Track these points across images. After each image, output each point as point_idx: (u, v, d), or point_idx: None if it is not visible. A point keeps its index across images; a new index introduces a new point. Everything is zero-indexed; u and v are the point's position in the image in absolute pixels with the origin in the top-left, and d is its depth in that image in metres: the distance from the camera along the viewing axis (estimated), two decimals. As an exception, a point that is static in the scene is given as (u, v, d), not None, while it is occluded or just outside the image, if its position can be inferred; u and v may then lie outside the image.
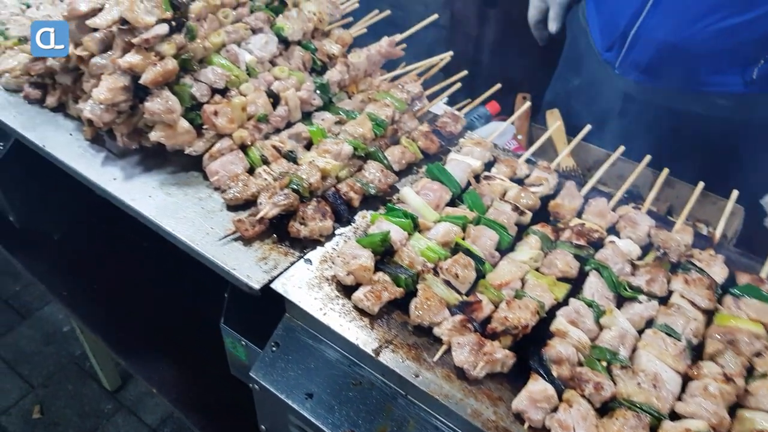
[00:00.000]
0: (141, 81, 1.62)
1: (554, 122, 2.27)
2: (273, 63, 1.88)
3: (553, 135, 2.60)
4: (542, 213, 1.69)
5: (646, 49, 2.48)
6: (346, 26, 2.10)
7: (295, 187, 1.56)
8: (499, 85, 2.09)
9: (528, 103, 2.16)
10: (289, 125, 1.83)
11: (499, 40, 4.24)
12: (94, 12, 1.71)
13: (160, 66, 1.63)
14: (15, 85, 1.96)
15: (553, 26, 2.92)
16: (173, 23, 1.69)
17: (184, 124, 1.66)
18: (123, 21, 1.65)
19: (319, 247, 1.54)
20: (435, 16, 2.15)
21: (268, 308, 1.44)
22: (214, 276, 1.48)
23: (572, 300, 1.45)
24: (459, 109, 2.04)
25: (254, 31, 1.86)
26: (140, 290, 2.20)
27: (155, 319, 2.11)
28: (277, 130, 1.81)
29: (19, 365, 3.50)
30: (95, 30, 1.67)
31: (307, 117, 1.87)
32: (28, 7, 2.32)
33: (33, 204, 2.17)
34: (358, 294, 1.39)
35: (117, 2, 1.66)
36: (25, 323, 3.78)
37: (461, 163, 1.75)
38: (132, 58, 1.62)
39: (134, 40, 1.63)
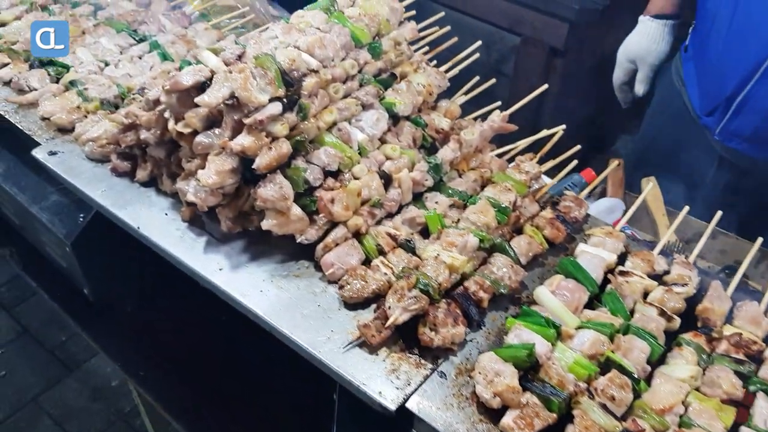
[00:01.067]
0: (254, 166, 1.49)
1: (650, 190, 2.10)
2: (382, 140, 1.74)
3: (651, 204, 2.44)
4: (684, 316, 1.53)
5: (753, 117, 2.34)
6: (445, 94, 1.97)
7: (423, 287, 1.41)
8: (578, 147, 1.94)
9: (614, 165, 2.01)
10: (399, 208, 1.69)
11: (565, 92, 4.11)
12: (199, 85, 1.59)
13: (275, 150, 1.50)
14: (101, 155, 1.84)
15: (641, 89, 2.79)
16: (285, 101, 1.56)
17: (297, 211, 1.52)
18: (232, 97, 1.53)
19: (451, 356, 1.38)
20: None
21: (389, 420, 1.29)
22: (291, 353, 1.34)
23: (743, 429, 1.28)
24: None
25: (364, 107, 1.73)
26: (206, 357, 2.06)
27: (219, 386, 1.97)
28: (389, 215, 1.66)
29: (66, 421, 3.36)
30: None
31: (417, 198, 1.73)
32: (107, 64, 2.22)
33: (108, 277, 2.04)
34: (508, 421, 1.24)
35: (227, 77, 1.53)
36: (72, 376, 3.65)
37: (594, 257, 1.59)
38: (244, 141, 1.49)
39: (247, 121, 1.50)
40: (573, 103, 4.23)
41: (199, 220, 1.69)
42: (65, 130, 1.98)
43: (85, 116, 1.99)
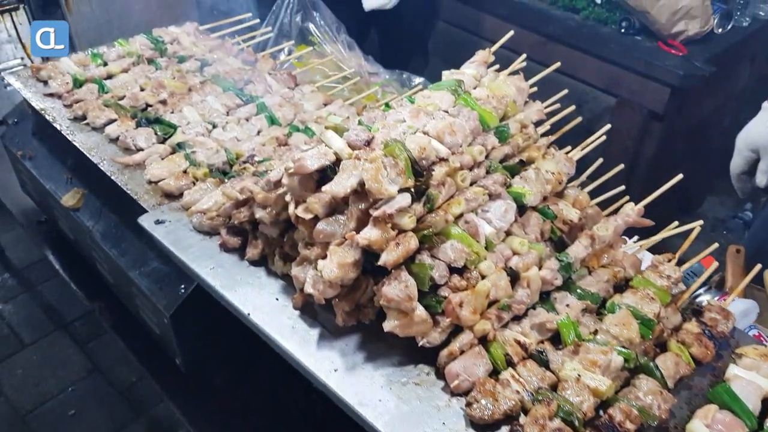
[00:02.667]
0: (381, 262, 1.39)
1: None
2: (508, 231, 1.61)
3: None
4: None
5: None
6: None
7: (566, 416, 1.25)
8: (700, 223, 1.74)
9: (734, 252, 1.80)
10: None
11: (660, 157, 3.92)
12: (324, 169, 1.51)
13: (403, 246, 1.39)
14: (209, 227, 1.77)
15: (763, 180, 2.58)
16: (414, 191, 1.46)
17: (421, 312, 1.41)
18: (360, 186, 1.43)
19: (595, 498, 1.22)
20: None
21: None
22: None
23: None
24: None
25: (491, 196, 1.61)
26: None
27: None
28: (516, 317, 1.52)
29: (132, 470, 3.30)
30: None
31: (544, 296, 1.58)
32: (214, 126, 2.17)
33: (202, 348, 1.96)
34: None
35: (355, 165, 1.44)
36: (139, 421, 3.60)
37: (749, 383, 1.41)
38: (371, 234, 1.39)
39: (375, 214, 1.40)
40: (667, 167, 4.02)
41: (311, 307, 1.59)
42: (172, 195, 1.92)
43: (194, 183, 1.94)
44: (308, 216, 1.51)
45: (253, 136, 2.18)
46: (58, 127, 2.18)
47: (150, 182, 1.98)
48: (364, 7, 3.09)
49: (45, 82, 2.40)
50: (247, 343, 1.71)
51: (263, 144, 2.08)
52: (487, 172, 1.68)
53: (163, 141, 2.16)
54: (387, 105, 1.89)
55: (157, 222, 1.82)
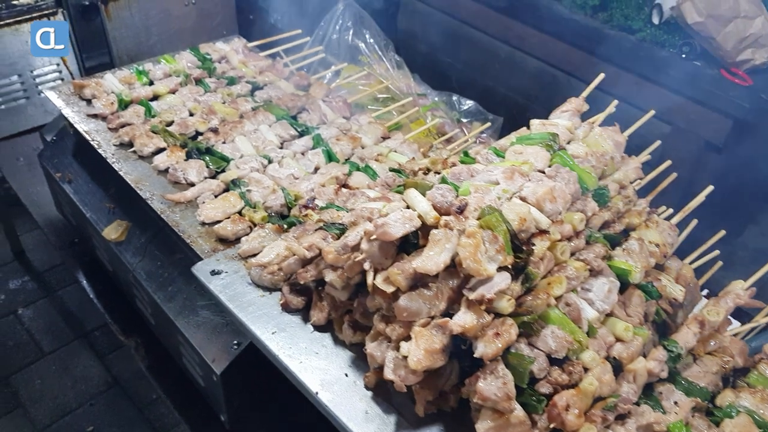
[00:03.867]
0: (477, 355, 1.24)
1: None
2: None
3: None
4: None
5: None
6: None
7: None
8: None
9: None
10: (626, 402, 1.37)
11: (721, 194, 3.72)
12: (415, 237, 1.35)
13: (503, 338, 1.22)
14: (269, 283, 1.60)
15: None
16: (512, 269, 1.29)
17: (519, 413, 1.25)
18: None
19: None
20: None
21: None
22: None
23: None
24: None
25: (592, 272, 1.43)
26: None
27: None
28: (620, 415, 1.35)
29: None
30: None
31: (647, 389, 1.41)
32: (270, 161, 2.01)
33: (251, 407, 1.80)
34: None
35: (447, 237, 1.27)
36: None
37: None
38: (465, 320, 1.24)
39: (472, 297, 1.25)
40: (719, 200, 3.83)
41: (384, 386, 1.42)
42: (227, 240, 1.77)
43: (250, 227, 1.78)
44: (390, 289, 1.35)
45: (310, 173, 2.02)
46: (103, 154, 2.04)
47: (204, 224, 1.81)
48: None
49: (88, 101, 2.25)
50: (300, 405, 1.56)
51: (323, 185, 1.92)
52: (587, 242, 1.50)
53: (215, 175, 1.99)
54: (466, 154, 1.72)
55: (214, 273, 1.66)
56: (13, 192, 4.64)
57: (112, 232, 2.06)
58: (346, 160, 2.09)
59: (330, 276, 1.49)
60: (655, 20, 3.69)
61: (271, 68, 2.49)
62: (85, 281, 2.39)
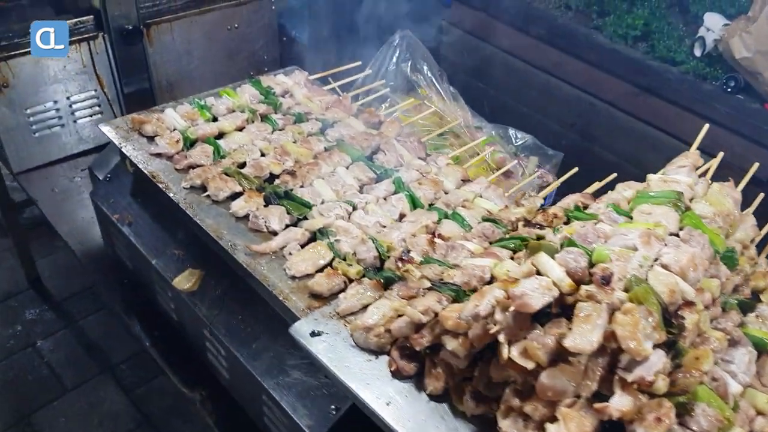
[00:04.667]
0: (640, 440, 1.16)
1: None
2: (746, 383, 1.40)
3: None
4: None
5: None
6: None
7: None
8: None
9: None
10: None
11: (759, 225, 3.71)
12: (549, 306, 1.29)
13: (665, 423, 1.17)
14: (376, 346, 1.54)
15: None
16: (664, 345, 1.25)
17: (681, 500, 1.18)
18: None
19: None
20: None
21: None
22: None
23: None
24: None
25: (730, 341, 1.38)
26: None
27: None
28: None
29: None
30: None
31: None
32: (354, 208, 1.95)
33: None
34: None
35: (597, 311, 1.23)
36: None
37: None
38: (622, 403, 1.18)
39: (630, 379, 1.20)
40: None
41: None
42: (321, 296, 1.70)
43: (345, 282, 1.72)
44: (529, 365, 1.29)
45: (396, 220, 1.96)
46: (174, 198, 1.97)
47: (294, 278, 1.75)
48: None
49: (149, 138, 2.18)
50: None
51: (413, 234, 1.86)
52: (723, 309, 1.46)
53: (296, 222, 1.93)
54: (578, 209, 1.67)
55: (313, 334, 1.60)
56: (27, 216, 4.54)
57: (184, 281, 1.98)
58: (430, 205, 2.04)
59: (452, 344, 1.43)
60: (697, 53, 3.69)
61: (338, 104, 2.43)
62: (139, 328, 2.29)
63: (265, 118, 2.34)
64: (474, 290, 1.56)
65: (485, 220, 1.91)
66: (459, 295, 1.54)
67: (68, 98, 2.91)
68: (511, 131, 3.02)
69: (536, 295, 1.31)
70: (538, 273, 1.38)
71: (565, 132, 4.31)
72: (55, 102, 2.88)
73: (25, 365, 3.97)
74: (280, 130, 2.30)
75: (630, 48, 4.00)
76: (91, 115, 3.02)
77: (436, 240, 1.85)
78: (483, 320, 1.37)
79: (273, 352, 1.80)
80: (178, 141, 2.14)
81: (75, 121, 2.98)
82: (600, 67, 3.98)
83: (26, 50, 2.68)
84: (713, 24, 3.53)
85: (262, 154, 2.17)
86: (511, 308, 1.30)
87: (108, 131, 2.21)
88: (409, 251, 1.77)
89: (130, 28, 2.84)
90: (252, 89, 2.45)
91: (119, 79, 3.00)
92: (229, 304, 1.91)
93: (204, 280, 1.98)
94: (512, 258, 1.65)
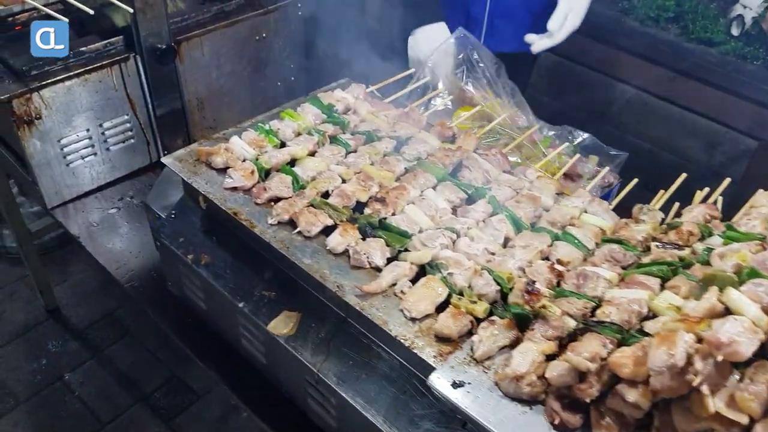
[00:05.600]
0: None
1: None
2: None
3: None
4: None
5: None
6: None
7: None
8: None
9: None
10: None
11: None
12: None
13: None
14: (528, 395, 1.39)
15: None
16: None
17: None
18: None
19: None
20: None
21: None
22: None
23: None
24: None
25: None
26: None
27: None
28: None
29: None
30: None
31: None
32: (457, 235, 1.78)
33: None
34: None
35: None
36: None
37: None
38: None
39: None
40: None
41: None
42: (449, 339, 1.54)
43: (472, 322, 1.55)
44: (743, 419, 1.15)
45: (501, 245, 1.80)
46: (264, 238, 1.77)
47: (414, 320, 1.58)
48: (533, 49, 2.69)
49: (218, 170, 1.97)
50: None
51: (530, 262, 1.70)
52: None
53: (396, 255, 1.75)
54: (730, 228, 1.53)
55: (455, 385, 1.43)
56: (41, 244, 4.25)
57: (281, 326, 1.79)
58: (532, 225, 1.88)
59: (633, 395, 1.27)
60: (735, 32, 3.58)
61: (406, 118, 2.24)
62: (217, 373, 2.10)
63: (334, 139, 2.14)
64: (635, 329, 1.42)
65: (607, 240, 1.76)
66: (624, 336, 1.38)
67: (100, 125, 2.66)
68: (569, 129, 2.86)
69: (745, 341, 1.16)
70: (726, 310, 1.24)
71: (593, 120, 4.19)
72: (88, 130, 2.63)
73: (56, 401, 3.74)
74: (353, 152, 2.11)
75: (662, 30, 3.89)
76: (123, 141, 2.77)
77: (557, 266, 1.69)
78: (679, 370, 1.22)
79: (393, 400, 1.62)
80: (252, 172, 1.93)
81: (108, 149, 2.74)
82: (635, 53, 3.86)
83: (58, 78, 2.43)
84: (750, 1, 3.42)
85: (343, 181, 1.98)
86: (719, 357, 1.15)
87: (173, 165, 1.99)
88: (533, 282, 1.61)
89: (164, 47, 2.60)
90: (313, 108, 2.24)
91: (152, 101, 2.76)
92: (336, 348, 1.72)
93: (302, 323, 1.79)
94: (662, 287, 1.51)
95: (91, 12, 2.22)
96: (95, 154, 2.71)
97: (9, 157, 2.70)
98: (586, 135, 2.87)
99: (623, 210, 2.02)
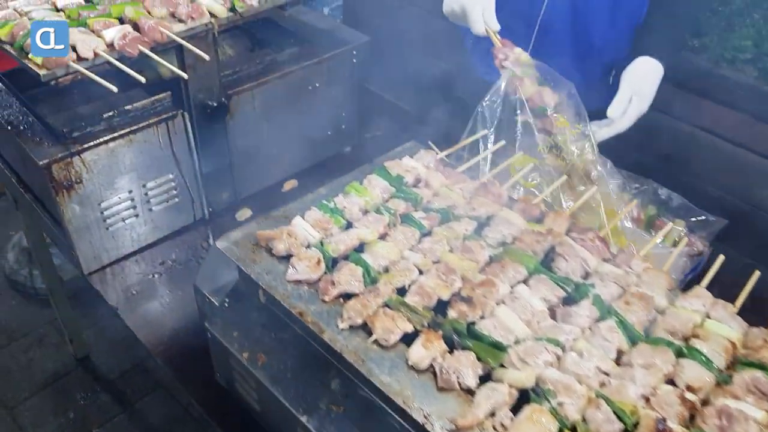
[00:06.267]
0: None
1: None
2: None
3: None
4: None
5: None
6: None
7: None
8: None
9: None
10: None
11: None
12: None
13: None
14: None
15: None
16: None
17: None
18: None
19: None
20: None
21: None
22: None
23: None
24: None
25: None
26: None
27: None
28: None
29: None
30: None
31: None
32: (562, 349, 1.51)
33: None
34: None
35: None
36: None
37: None
38: None
39: None
40: None
41: None
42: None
43: None
44: None
45: (612, 359, 1.52)
46: (336, 347, 1.51)
47: (522, 467, 1.30)
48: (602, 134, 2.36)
49: (281, 256, 1.73)
50: None
51: (653, 388, 1.42)
52: None
53: (489, 372, 1.48)
54: None
55: None
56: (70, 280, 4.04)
57: (353, 448, 1.53)
58: (646, 333, 1.60)
59: None
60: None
61: (484, 192, 1.98)
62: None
63: (406, 218, 1.89)
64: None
65: (745, 363, 1.47)
66: None
67: (144, 185, 2.45)
68: (656, 187, 2.55)
69: None
70: None
71: (660, 165, 3.88)
72: (130, 192, 2.42)
73: (85, 460, 3.51)
74: (428, 233, 1.85)
75: (738, 72, 3.59)
76: (167, 200, 2.56)
77: (687, 394, 1.41)
78: None
79: None
80: (318, 262, 1.68)
81: (150, 209, 2.52)
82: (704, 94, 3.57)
83: (102, 139, 2.22)
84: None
85: (420, 272, 1.72)
86: None
87: (229, 251, 1.75)
88: (664, 420, 1.33)
89: (215, 104, 2.38)
90: (380, 180, 1.99)
91: (198, 159, 2.54)
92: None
93: (376, 440, 1.53)
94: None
95: (143, 80, 2.00)
96: (137, 215, 2.49)
97: (46, 219, 2.49)
98: (674, 195, 2.58)
99: (719, 288, 1.73)
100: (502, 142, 2.39)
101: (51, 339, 4.17)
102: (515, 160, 2.32)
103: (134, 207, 2.47)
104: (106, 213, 2.39)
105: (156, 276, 2.50)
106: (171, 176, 2.51)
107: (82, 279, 2.48)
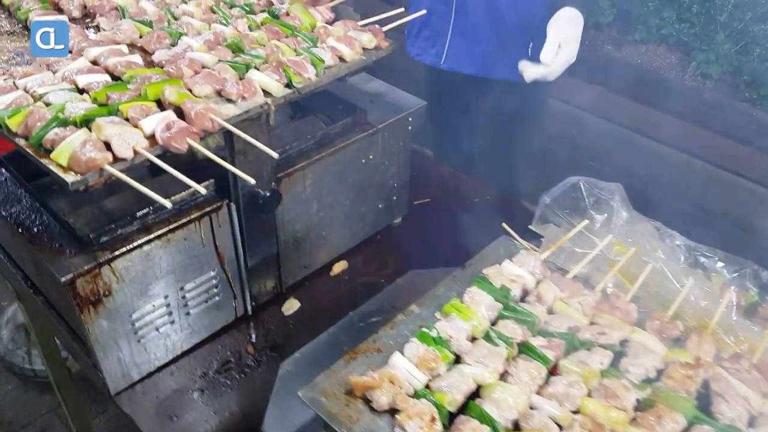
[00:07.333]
0: None
1: None
2: None
3: None
4: None
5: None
6: None
7: None
8: None
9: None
10: None
11: None
12: None
13: None
14: None
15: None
16: None
17: None
18: None
19: None
20: None
21: None
22: None
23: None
24: None
25: None
26: None
27: None
28: None
29: None
30: None
31: None
32: None
33: None
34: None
35: None
36: None
37: None
38: None
39: None
40: None
41: None
42: None
43: None
44: None
45: None
46: None
47: None
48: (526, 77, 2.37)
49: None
50: None
51: None
52: None
53: None
54: None
55: None
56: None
57: None
58: None
59: None
60: None
61: (608, 307, 1.68)
62: None
63: (525, 348, 1.57)
64: None
65: None
66: None
67: (181, 288, 2.11)
68: (754, 267, 2.27)
69: None
70: None
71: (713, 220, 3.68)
72: (166, 297, 2.08)
73: None
74: (553, 369, 1.54)
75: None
76: (206, 301, 2.22)
77: None
78: None
79: None
80: (433, 420, 1.36)
81: (188, 313, 2.18)
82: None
83: (136, 243, 1.89)
84: None
85: (559, 426, 1.40)
86: None
87: (316, 403, 1.43)
88: None
89: (267, 194, 2.06)
90: (484, 295, 1.68)
91: (244, 252, 2.22)
92: None
93: None
94: None
95: (169, 205, 1.69)
96: (173, 321, 2.15)
97: (66, 335, 2.14)
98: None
99: None
100: (585, 221, 2.12)
101: (55, 430, 3.77)
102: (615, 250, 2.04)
103: (170, 313, 2.12)
104: (137, 324, 2.04)
105: (197, 394, 2.15)
106: (212, 274, 2.18)
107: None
